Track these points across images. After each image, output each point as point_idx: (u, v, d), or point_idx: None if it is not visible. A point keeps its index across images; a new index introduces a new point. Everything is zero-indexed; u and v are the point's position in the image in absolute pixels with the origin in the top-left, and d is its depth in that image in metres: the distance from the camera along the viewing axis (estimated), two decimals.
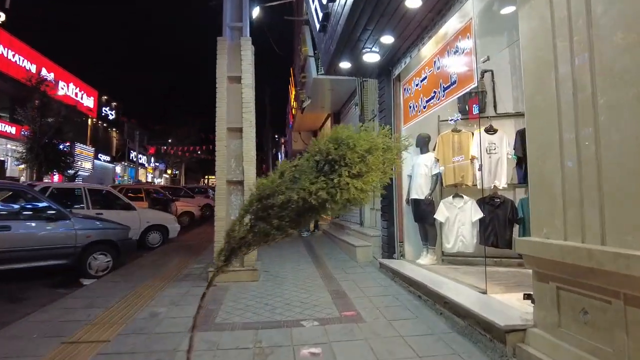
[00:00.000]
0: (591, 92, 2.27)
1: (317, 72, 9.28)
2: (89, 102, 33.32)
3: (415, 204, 5.66)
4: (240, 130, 5.63)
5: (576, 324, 2.36)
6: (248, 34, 6.04)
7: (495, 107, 5.62)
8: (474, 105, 5.33)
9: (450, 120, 5.76)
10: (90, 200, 8.27)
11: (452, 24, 4.45)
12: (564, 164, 2.48)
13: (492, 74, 5.60)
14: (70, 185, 10.31)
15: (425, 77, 5.17)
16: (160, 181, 48.50)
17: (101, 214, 8.15)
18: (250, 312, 4.12)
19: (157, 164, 49.65)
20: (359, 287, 5.01)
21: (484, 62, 4.12)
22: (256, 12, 8.40)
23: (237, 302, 4.51)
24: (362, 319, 3.84)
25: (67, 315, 4.05)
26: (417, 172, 5.66)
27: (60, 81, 28.42)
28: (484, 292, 3.80)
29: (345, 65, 6.05)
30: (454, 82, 4.39)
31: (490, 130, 5.37)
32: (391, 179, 6.11)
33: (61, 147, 21.94)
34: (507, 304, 3.42)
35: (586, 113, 2.30)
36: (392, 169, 2.08)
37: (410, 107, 5.71)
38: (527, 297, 2.90)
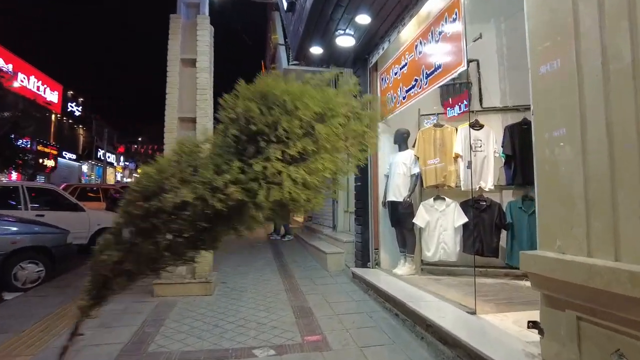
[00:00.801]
0: (631, 61, 1.69)
1: (289, 62, 8.58)
2: (52, 96, 31.55)
3: (393, 206, 5.06)
4: (194, 120, 4.88)
5: None
6: (207, 12, 5.30)
7: (481, 100, 5.08)
8: (464, 101, 4.77)
9: (427, 122, 5.16)
10: (30, 200, 7.30)
11: (436, 1, 3.87)
12: (586, 158, 1.90)
13: (478, 63, 5.07)
14: (2, 184, 9.20)
15: (405, 64, 4.58)
16: (130, 181, 46.72)
17: (42, 215, 7.23)
18: (194, 337, 3.40)
19: (127, 163, 47.80)
20: (328, 303, 4.35)
21: (475, 40, 3.55)
22: None
23: (181, 322, 3.78)
24: (328, 345, 3.18)
25: None
26: (395, 171, 5.06)
27: (19, 73, 26.77)
28: (473, 312, 3.21)
29: (316, 50, 5.40)
30: (439, 67, 3.81)
31: (476, 126, 4.83)
32: (362, 174, 5.48)
33: (19, 143, 20.47)
34: (502, 328, 2.84)
35: (623, 89, 1.72)
36: (361, 150, 1.34)
37: (388, 98, 5.11)
38: (533, 325, 2.31)
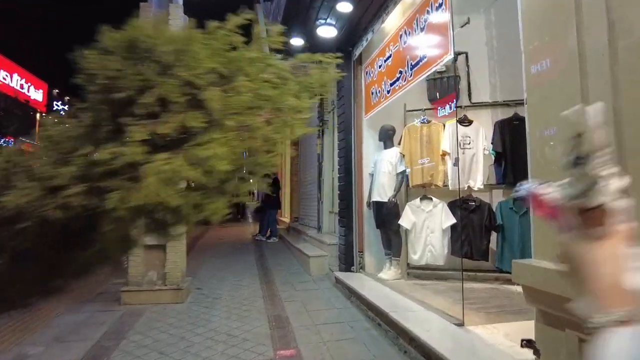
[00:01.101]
0: None
1: None
2: (37, 95, 30.92)
3: (377, 207, 4.78)
4: None
5: None
6: (180, 1, 4.97)
7: (469, 95, 4.82)
8: (454, 101, 4.50)
9: (416, 121, 4.85)
10: None
11: None
12: None
13: (467, 56, 4.81)
14: None
15: (389, 56, 4.30)
16: None
17: None
18: (156, 352, 3.08)
19: None
20: (307, 311, 4.05)
21: (462, 26, 3.28)
22: None
23: (145, 334, 3.46)
24: None
25: None
26: (380, 169, 4.77)
27: (1, 70, 26.21)
28: (461, 324, 2.93)
29: (296, 42, 5.09)
30: (424, 57, 3.53)
31: (464, 122, 4.56)
32: (346, 173, 5.18)
33: (1, 142, 19.92)
34: (492, 344, 2.56)
35: (633, 67, 1.45)
36: (284, 130, 0.87)
37: (372, 93, 4.82)
38: (527, 344, 2.03)
